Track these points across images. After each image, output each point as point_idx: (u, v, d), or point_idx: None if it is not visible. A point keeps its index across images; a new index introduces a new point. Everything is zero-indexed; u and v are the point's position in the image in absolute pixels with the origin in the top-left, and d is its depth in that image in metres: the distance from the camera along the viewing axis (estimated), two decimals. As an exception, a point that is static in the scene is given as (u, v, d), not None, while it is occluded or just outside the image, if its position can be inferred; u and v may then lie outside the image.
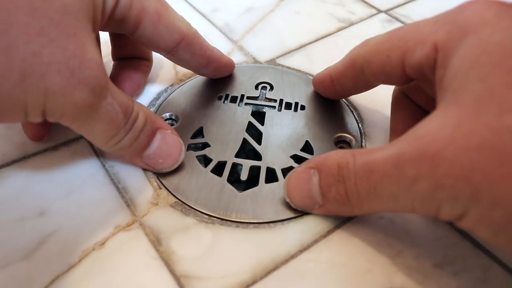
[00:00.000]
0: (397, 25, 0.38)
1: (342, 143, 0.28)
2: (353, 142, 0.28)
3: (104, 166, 0.26)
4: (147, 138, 0.24)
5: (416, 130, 0.18)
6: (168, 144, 0.25)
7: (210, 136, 0.28)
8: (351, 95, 0.30)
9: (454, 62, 0.18)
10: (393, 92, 0.27)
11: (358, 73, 0.25)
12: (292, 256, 0.22)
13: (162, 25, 0.25)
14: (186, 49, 0.26)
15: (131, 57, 0.30)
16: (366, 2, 0.41)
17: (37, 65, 0.17)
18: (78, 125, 0.21)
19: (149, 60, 0.31)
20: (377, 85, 0.26)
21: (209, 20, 0.39)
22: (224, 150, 0.27)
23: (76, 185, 0.25)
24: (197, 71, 0.30)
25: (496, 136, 0.16)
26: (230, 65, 0.31)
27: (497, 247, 0.22)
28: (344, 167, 0.20)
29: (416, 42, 0.20)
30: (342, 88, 0.27)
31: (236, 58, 0.34)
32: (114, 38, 0.29)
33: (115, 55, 0.30)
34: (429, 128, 0.17)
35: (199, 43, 0.27)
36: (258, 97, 0.31)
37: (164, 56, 0.27)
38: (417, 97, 0.25)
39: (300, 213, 0.24)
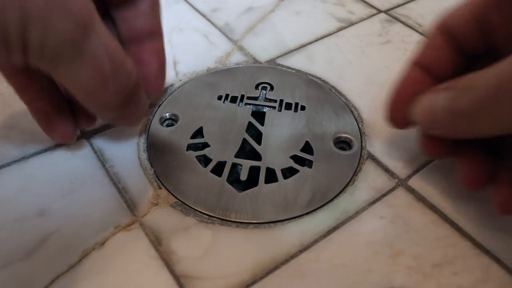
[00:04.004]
0: (397, 25, 0.38)
1: (342, 143, 0.28)
2: (353, 142, 0.28)
3: (104, 166, 0.26)
4: (136, 98, 0.22)
5: None
6: (140, 107, 0.24)
7: (210, 136, 0.28)
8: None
9: None
10: (432, 31, 0.24)
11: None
12: (292, 256, 0.22)
13: None
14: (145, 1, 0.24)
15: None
16: (366, 2, 0.41)
17: None
18: (62, 69, 0.19)
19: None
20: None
21: (209, 20, 0.39)
22: (224, 150, 0.27)
23: (76, 185, 0.25)
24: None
25: None
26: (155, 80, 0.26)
27: (497, 247, 0.22)
28: (473, 79, 0.19)
29: None
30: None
31: (236, 58, 0.34)
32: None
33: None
34: None
35: (158, 2, 0.24)
36: (258, 97, 0.31)
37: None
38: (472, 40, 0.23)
39: (300, 213, 0.24)
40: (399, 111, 0.24)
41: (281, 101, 0.30)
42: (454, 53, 0.23)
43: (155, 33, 0.25)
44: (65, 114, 0.25)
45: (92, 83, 0.20)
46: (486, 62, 0.19)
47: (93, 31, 0.19)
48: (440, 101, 0.21)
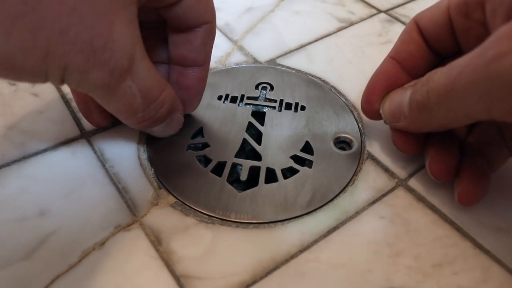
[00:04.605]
0: (397, 25, 0.38)
1: (342, 143, 0.28)
2: (353, 142, 0.28)
3: (104, 166, 0.26)
4: (162, 122, 0.24)
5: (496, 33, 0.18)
6: (173, 125, 0.26)
7: (210, 136, 0.28)
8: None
9: None
10: (408, 26, 0.26)
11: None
12: (292, 256, 0.22)
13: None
14: (205, 35, 0.25)
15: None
16: (366, 2, 0.41)
17: (62, 44, 0.17)
18: (94, 96, 0.21)
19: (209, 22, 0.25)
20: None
21: (209, 20, 0.39)
22: (224, 150, 0.27)
23: (76, 185, 0.25)
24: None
25: None
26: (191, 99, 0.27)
27: (497, 247, 0.22)
28: (432, 73, 0.21)
29: None
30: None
31: (236, 58, 0.34)
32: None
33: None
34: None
35: (212, 37, 0.26)
36: (258, 97, 0.31)
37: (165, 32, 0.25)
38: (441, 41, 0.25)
39: (300, 213, 0.24)
40: (372, 104, 0.26)
41: (281, 101, 0.30)
42: (428, 49, 0.25)
43: (202, 63, 0.26)
44: (98, 106, 0.26)
45: (122, 113, 0.22)
46: None
47: (129, 76, 0.20)
48: (406, 96, 0.23)
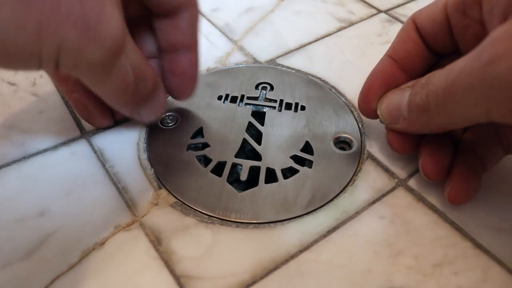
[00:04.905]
0: (397, 25, 0.38)
1: (342, 143, 0.28)
2: (353, 142, 0.28)
3: (104, 166, 0.26)
4: (150, 100, 0.25)
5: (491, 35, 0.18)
6: (160, 103, 0.26)
7: (210, 136, 0.28)
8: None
9: None
10: (406, 24, 0.25)
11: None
12: (292, 256, 0.22)
13: None
14: (190, 17, 0.25)
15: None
16: (366, 2, 0.41)
17: (54, 18, 0.17)
18: (88, 79, 0.21)
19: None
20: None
21: (209, 20, 0.39)
22: (224, 150, 0.27)
23: (76, 185, 0.25)
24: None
25: None
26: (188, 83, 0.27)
27: (497, 247, 0.22)
28: (431, 76, 0.21)
29: None
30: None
31: (236, 58, 0.34)
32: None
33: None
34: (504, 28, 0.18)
35: (198, 18, 0.25)
36: (258, 97, 0.31)
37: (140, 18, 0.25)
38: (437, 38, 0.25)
39: (300, 213, 0.24)
40: (369, 103, 0.26)
41: (281, 101, 0.30)
42: (425, 48, 0.25)
43: (192, 46, 0.26)
44: (101, 103, 0.27)
45: (116, 92, 0.22)
46: (453, 60, 0.20)
47: (123, 53, 0.20)
48: (404, 98, 0.23)
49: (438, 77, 0.20)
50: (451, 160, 0.24)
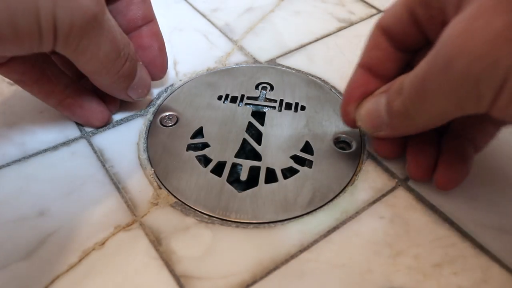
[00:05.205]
0: (397, 25, 0.38)
1: (342, 143, 0.28)
2: (353, 142, 0.28)
3: (104, 166, 0.26)
4: (136, 67, 0.26)
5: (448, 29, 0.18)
6: (145, 73, 0.28)
7: (210, 136, 0.28)
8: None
9: None
10: (372, 31, 0.25)
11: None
12: (292, 256, 0.22)
13: None
14: None
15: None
16: (366, 2, 0.41)
17: None
18: (86, 43, 0.21)
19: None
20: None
21: (209, 20, 0.39)
22: (224, 150, 0.27)
23: (76, 185, 0.25)
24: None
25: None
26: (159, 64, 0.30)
27: (497, 247, 0.22)
28: (403, 81, 0.21)
29: None
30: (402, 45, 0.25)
31: (236, 58, 0.34)
32: None
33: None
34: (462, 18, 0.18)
35: None
36: (258, 97, 0.31)
37: None
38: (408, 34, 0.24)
39: (300, 213, 0.24)
40: (349, 114, 0.26)
41: (281, 101, 0.30)
42: (395, 51, 0.24)
43: (149, 18, 0.28)
44: (95, 98, 0.28)
45: (109, 54, 0.23)
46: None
47: (106, 8, 0.22)
48: (381, 104, 0.23)
49: (409, 81, 0.20)
50: (436, 155, 0.25)
